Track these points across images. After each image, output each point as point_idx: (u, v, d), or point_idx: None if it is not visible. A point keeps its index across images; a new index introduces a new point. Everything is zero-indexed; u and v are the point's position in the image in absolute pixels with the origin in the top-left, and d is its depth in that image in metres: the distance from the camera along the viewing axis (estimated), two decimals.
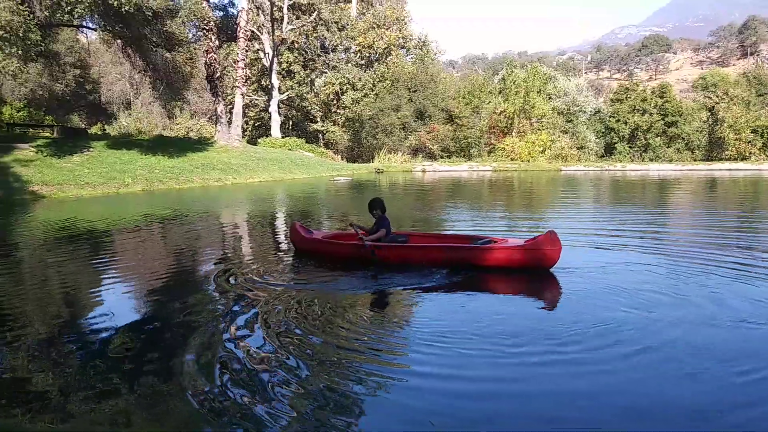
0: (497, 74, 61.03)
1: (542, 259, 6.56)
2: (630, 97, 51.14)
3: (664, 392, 3.50)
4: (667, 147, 49.34)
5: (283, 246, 9.13)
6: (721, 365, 3.90)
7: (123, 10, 21.78)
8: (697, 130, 50.10)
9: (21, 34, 19.92)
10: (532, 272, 6.63)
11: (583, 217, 13.05)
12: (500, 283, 6.51)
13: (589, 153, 48.70)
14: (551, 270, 6.63)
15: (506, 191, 22.61)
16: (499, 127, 45.52)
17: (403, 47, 56.67)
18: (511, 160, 42.54)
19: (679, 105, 50.82)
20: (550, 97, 51.38)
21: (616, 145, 50.19)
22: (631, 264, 7.18)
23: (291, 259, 7.89)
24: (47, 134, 29.36)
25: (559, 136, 46.18)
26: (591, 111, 53.72)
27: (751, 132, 46.18)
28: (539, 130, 45.45)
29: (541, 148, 43.66)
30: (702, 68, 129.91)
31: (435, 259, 6.91)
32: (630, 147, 50.13)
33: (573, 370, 3.85)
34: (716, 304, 5.31)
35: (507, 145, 43.92)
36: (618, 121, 50.22)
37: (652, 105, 49.92)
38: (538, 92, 48.46)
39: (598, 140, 50.56)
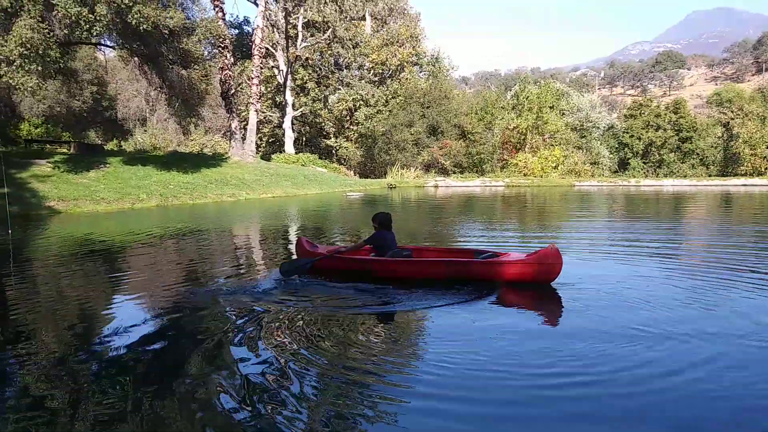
0: (510, 90, 61.13)
1: (544, 273, 6.51)
2: (644, 113, 50.98)
3: (700, 416, 3.38)
4: (682, 163, 49.04)
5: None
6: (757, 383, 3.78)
7: (141, 28, 22.09)
8: (712, 146, 49.78)
9: (41, 52, 20.26)
10: (536, 287, 6.55)
11: (597, 232, 12.95)
12: (512, 300, 6.35)
13: (602, 168, 48.51)
14: (553, 284, 6.57)
15: (519, 206, 22.54)
16: (512, 142, 45.50)
17: (416, 64, 57.02)
18: (524, 175, 42.45)
19: (694, 121, 50.57)
20: (563, 113, 51.33)
21: (629, 161, 49.97)
22: (648, 278, 7.11)
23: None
24: (64, 150, 29.74)
25: (572, 152, 46.07)
26: (604, 127, 53.61)
27: (767, 148, 45.80)
28: (552, 145, 45.37)
29: (554, 164, 43.57)
30: (716, 84, 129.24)
31: (436, 273, 6.86)
32: (644, 163, 49.88)
33: (594, 393, 3.70)
34: (745, 319, 5.24)
35: (520, 160, 43.86)
36: (632, 136, 50.03)
37: (666, 120, 49.72)
38: (551, 108, 48.46)
39: (611, 156, 50.38)
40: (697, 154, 49.30)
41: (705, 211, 20.04)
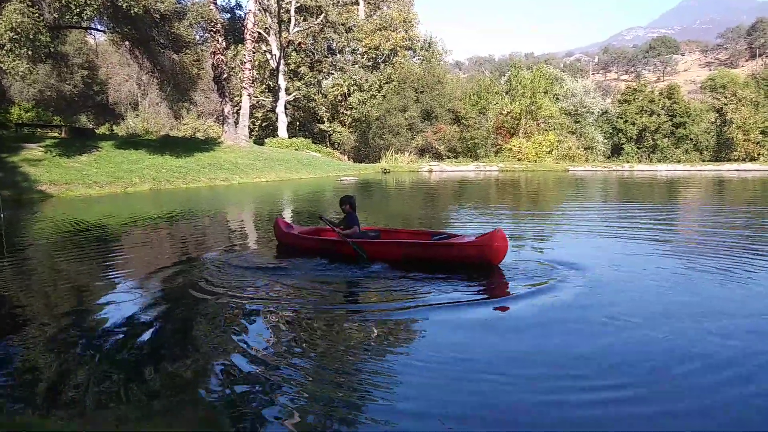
0: (504, 75, 60.99)
1: (490, 255, 6.71)
2: (638, 98, 51.04)
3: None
4: (675, 148, 49.24)
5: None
6: None
7: (132, 12, 21.87)
8: (706, 131, 49.94)
9: (31, 36, 20.05)
10: (486, 269, 6.67)
11: (591, 216, 12.97)
12: (507, 295, 5.80)
13: (596, 154, 48.63)
14: (500, 265, 6.73)
15: (512, 191, 22.58)
16: (506, 127, 45.49)
17: (409, 48, 56.70)
18: (518, 160, 42.49)
19: (688, 106, 50.70)
20: (557, 98, 51.29)
21: (623, 146, 50.11)
22: (656, 268, 6.94)
23: (288, 256, 7.82)
24: (55, 134, 29.53)
25: (566, 137, 46.10)
26: (598, 112, 53.64)
27: (760, 133, 45.97)
28: (546, 130, 45.36)
29: (549, 149, 43.59)
30: (710, 70, 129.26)
31: (395, 254, 7.14)
32: (638, 148, 50.03)
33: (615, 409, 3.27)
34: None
35: (514, 145, 43.88)
36: (626, 122, 50.13)
37: (660, 106, 49.81)
38: (544, 93, 48.39)
39: (605, 141, 50.49)
40: (691, 139, 49.49)
41: (709, 195, 20.13)
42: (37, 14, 20.48)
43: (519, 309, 5.19)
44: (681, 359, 3.90)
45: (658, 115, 49.44)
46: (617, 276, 6.46)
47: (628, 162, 45.65)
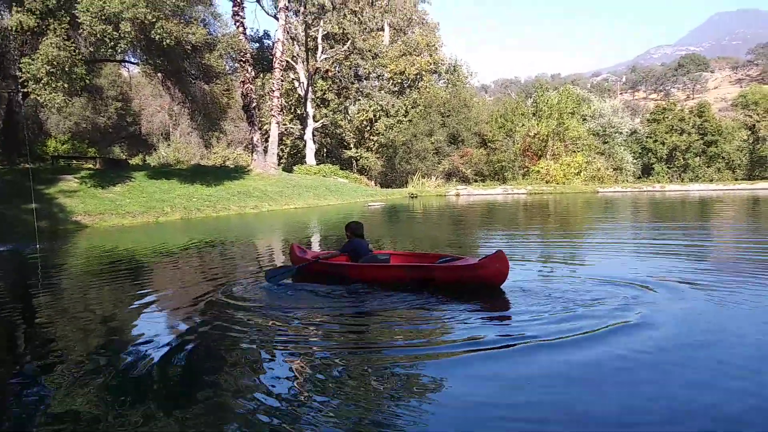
0: (530, 97, 60.87)
1: (492, 277, 6.80)
2: (667, 117, 50.38)
3: None
4: (707, 167, 48.30)
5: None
6: None
7: (164, 44, 22.48)
8: (738, 149, 48.98)
9: (67, 69, 20.72)
10: (490, 291, 6.70)
11: (623, 239, 12.72)
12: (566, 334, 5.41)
13: (626, 174, 47.97)
14: (501, 287, 6.73)
15: (541, 214, 22.35)
16: (533, 149, 45.24)
17: (434, 72, 57.10)
18: (546, 182, 42.14)
19: (719, 124, 49.80)
20: (584, 119, 50.91)
21: (653, 166, 49.38)
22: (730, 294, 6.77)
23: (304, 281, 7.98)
24: (90, 166, 30.27)
25: (594, 158, 45.64)
26: (627, 132, 53.05)
27: None
28: (574, 152, 44.98)
29: (577, 170, 43.17)
30: (741, 86, 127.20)
31: (400, 277, 7.30)
32: (668, 167, 49.25)
33: None
34: None
35: (541, 167, 43.57)
36: (655, 141, 49.47)
37: (690, 124, 49.07)
38: (571, 114, 48.12)
39: (635, 161, 49.82)
40: (723, 157, 48.52)
41: (747, 214, 19.64)
42: (73, 48, 21.17)
43: (589, 351, 4.46)
44: None
45: (689, 133, 48.69)
46: (689, 306, 5.78)
47: (658, 182, 44.91)
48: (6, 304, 7.78)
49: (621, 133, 52.31)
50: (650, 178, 48.16)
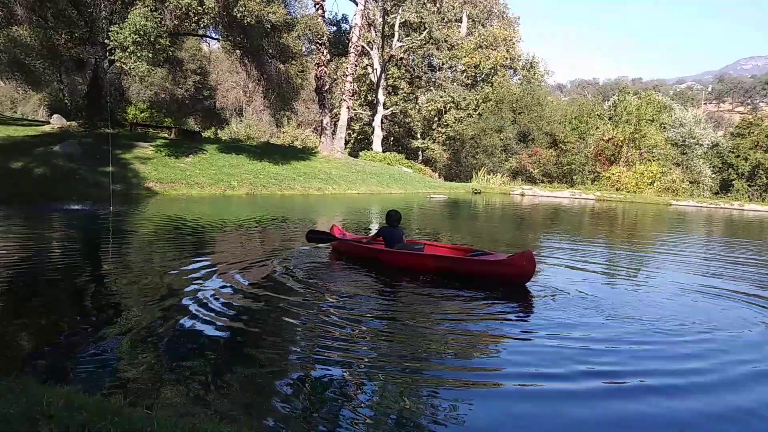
0: (607, 100, 58.87)
1: (518, 275, 7.04)
2: (753, 132, 47.66)
3: None
4: None
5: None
6: None
7: (245, 22, 22.90)
8: None
9: (152, 39, 21.38)
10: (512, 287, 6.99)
11: (695, 260, 12.14)
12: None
13: (703, 188, 45.78)
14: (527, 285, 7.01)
15: (609, 222, 21.60)
16: (606, 154, 43.71)
17: (510, 67, 56.04)
18: (617, 190, 40.73)
19: None
20: (664, 127, 48.80)
21: (733, 182, 46.92)
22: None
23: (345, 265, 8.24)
24: (165, 135, 31.24)
25: (670, 169, 43.71)
26: (708, 144, 50.53)
27: None
28: (649, 160, 43.21)
29: (650, 180, 41.48)
30: None
31: (430, 267, 7.65)
32: (749, 185, 46.70)
33: None
34: None
35: (613, 173, 42.10)
36: (738, 156, 46.98)
37: None
38: (650, 121, 46.23)
39: (713, 176, 47.44)
40: None
41: None
42: (159, 19, 21.82)
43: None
44: None
45: None
46: None
47: (737, 200, 42.67)
48: (77, 262, 8.10)
49: (701, 145, 49.87)
50: (729, 194, 45.82)
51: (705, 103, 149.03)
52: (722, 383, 4.23)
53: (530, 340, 5.09)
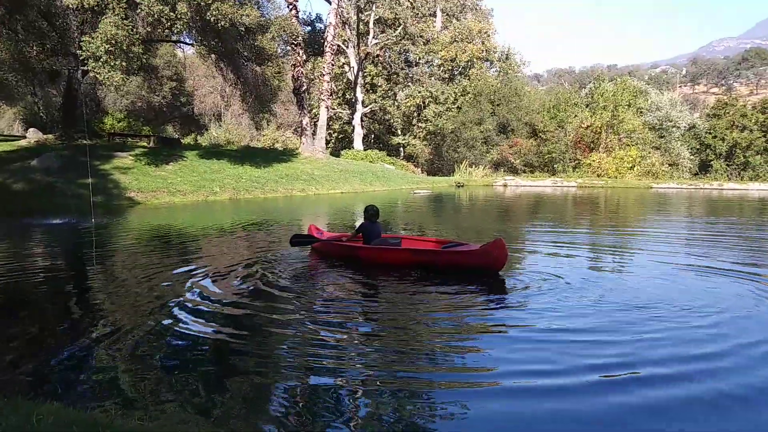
0: (584, 88, 59.29)
1: (490, 263, 7.23)
2: (728, 113, 48.25)
3: None
4: None
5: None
6: None
7: (219, 25, 22.74)
8: None
9: (125, 48, 21.16)
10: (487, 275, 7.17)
11: (676, 239, 12.28)
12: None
13: (682, 170, 46.30)
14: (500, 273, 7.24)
15: (591, 208, 21.80)
16: (585, 141, 44.05)
17: (486, 60, 56.21)
18: (598, 176, 41.08)
19: None
20: (640, 112, 49.26)
21: (711, 163, 47.49)
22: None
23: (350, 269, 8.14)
24: (144, 144, 30.98)
25: (649, 152, 44.16)
26: (685, 126, 51.06)
27: None
28: (628, 145, 43.63)
29: (630, 165, 41.90)
30: None
31: (405, 260, 7.82)
32: (727, 165, 47.29)
33: None
34: None
35: (593, 160, 42.45)
36: (715, 137, 47.52)
37: (753, 121, 46.92)
38: (627, 106, 46.60)
39: (692, 157, 47.96)
40: None
41: None
42: (131, 27, 21.60)
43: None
44: None
45: (751, 130, 46.56)
46: None
47: (716, 180, 43.22)
48: (62, 275, 8.03)
49: (678, 127, 50.37)
50: (708, 175, 46.38)
51: (680, 86, 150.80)
52: (729, 367, 4.27)
53: (519, 333, 5.11)
